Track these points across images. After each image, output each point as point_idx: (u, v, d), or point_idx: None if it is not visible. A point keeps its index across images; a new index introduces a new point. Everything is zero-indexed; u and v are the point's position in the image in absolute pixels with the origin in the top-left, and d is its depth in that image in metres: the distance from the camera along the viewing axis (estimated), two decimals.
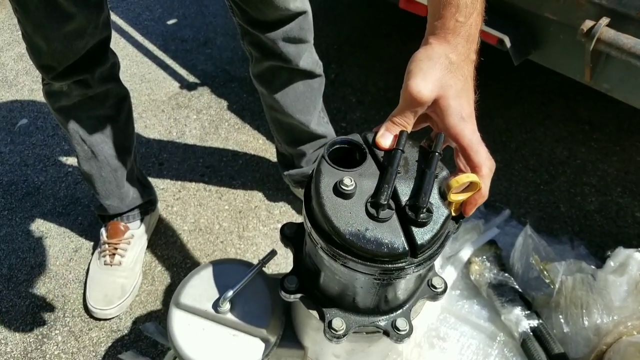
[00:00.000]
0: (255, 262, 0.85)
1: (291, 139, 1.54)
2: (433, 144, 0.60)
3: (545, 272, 1.27)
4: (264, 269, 0.84)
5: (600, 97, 1.43)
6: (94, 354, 1.40)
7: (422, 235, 0.56)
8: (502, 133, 1.93)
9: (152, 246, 1.63)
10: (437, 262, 1.41)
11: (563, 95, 2.05)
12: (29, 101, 2.12)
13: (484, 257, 1.39)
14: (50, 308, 1.49)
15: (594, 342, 1.17)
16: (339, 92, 2.12)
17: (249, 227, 1.69)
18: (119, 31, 2.45)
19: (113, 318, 1.46)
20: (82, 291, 1.51)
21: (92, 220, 1.70)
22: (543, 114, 1.99)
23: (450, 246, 1.42)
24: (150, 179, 1.66)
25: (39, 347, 1.42)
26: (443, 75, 0.58)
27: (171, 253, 1.62)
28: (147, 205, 1.58)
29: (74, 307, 1.50)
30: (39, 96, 2.13)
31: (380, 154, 0.61)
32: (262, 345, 0.80)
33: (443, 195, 0.58)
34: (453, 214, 0.59)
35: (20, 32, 1.15)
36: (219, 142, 1.96)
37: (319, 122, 1.51)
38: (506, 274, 1.34)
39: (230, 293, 0.78)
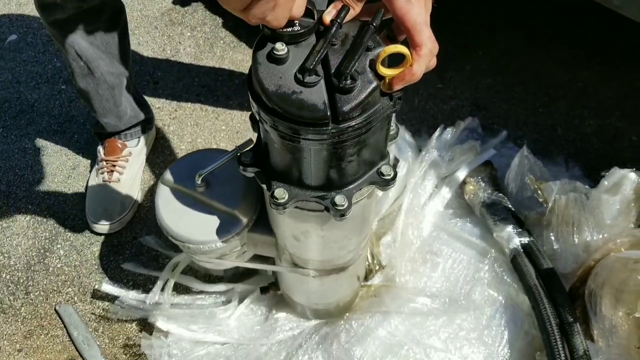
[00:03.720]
0: None
1: None
2: (372, 18, 0.61)
3: (539, 192, 1.28)
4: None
5: (607, 18, 1.39)
6: (96, 266, 1.44)
7: (345, 101, 0.58)
8: (503, 55, 1.89)
9: (150, 164, 1.64)
10: (432, 182, 1.42)
11: (569, 16, 1.99)
12: (17, 16, 2.05)
13: (479, 177, 1.40)
14: (51, 223, 1.52)
15: (583, 258, 1.20)
16: None
17: None
18: None
19: (114, 233, 1.49)
20: (82, 207, 1.53)
21: (88, 138, 1.69)
22: (547, 37, 1.94)
23: (446, 167, 1.43)
24: (146, 98, 1.64)
25: (42, 260, 1.45)
26: None
27: None
28: (145, 123, 1.57)
29: (74, 222, 1.52)
30: (27, 10, 2.06)
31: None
32: (233, 224, 0.87)
33: (374, 69, 0.60)
34: (383, 89, 0.60)
35: None
36: (214, 60, 1.92)
37: None
38: (500, 194, 1.36)
39: (204, 171, 0.83)
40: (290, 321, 1.25)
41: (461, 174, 1.41)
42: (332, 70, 0.59)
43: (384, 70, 0.59)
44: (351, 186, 0.71)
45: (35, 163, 1.65)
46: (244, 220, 0.87)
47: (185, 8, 2.10)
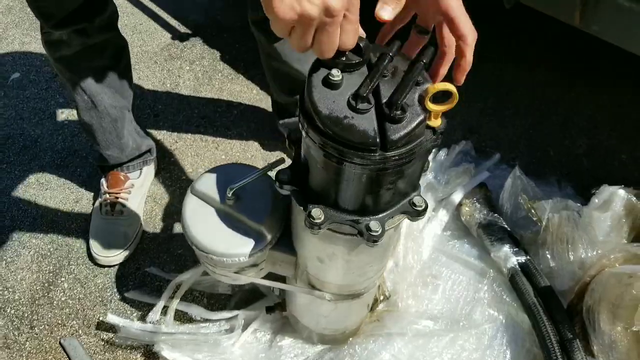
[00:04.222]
0: None
1: (288, 88, 1.55)
2: (420, 54, 0.66)
3: (533, 211, 1.31)
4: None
5: (594, 39, 1.44)
6: (100, 299, 1.45)
7: (394, 130, 0.61)
8: (493, 78, 1.94)
9: (152, 196, 1.67)
10: (429, 206, 1.45)
11: (555, 38, 2.05)
12: (20, 54, 2.10)
13: (475, 199, 1.43)
14: (55, 257, 1.54)
15: (579, 275, 1.22)
16: None
17: None
18: None
19: (117, 265, 1.51)
20: (85, 240, 1.55)
21: (91, 172, 1.72)
22: (534, 58, 2.00)
23: (442, 190, 1.46)
24: (147, 130, 1.67)
25: (46, 294, 1.47)
26: None
27: (171, 202, 1.65)
28: (146, 155, 1.60)
29: (78, 255, 1.54)
30: (31, 49, 2.12)
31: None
32: (258, 239, 0.88)
33: (422, 104, 0.64)
34: (429, 122, 0.64)
35: None
36: (213, 92, 1.97)
37: None
38: (495, 215, 1.39)
39: (235, 185, 0.85)
40: (295, 348, 1.26)
41: (457, 197, 1.44)
42: (383, 100, 0.62)
43: (431, 106, 0.63)
44: (384, 213, 0.74)
45: (39, 197, 1.67)
46: (269, 236, 0.89)
47: (184, 43, 2.16)
